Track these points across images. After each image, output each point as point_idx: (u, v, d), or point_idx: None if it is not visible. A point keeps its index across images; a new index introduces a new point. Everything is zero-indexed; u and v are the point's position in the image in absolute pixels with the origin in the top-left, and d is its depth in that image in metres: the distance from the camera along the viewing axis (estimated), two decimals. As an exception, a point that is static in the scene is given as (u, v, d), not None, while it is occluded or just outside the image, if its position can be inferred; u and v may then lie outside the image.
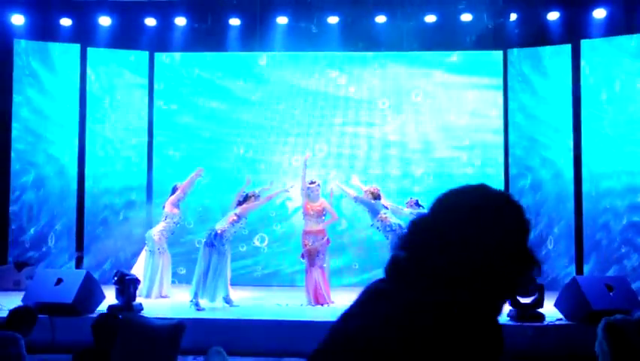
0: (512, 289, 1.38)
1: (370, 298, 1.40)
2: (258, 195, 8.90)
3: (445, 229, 1.39)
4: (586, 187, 10.36)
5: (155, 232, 9.16)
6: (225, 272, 8.43)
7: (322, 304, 8.46)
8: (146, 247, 9.27)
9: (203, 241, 8.59)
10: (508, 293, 1.38)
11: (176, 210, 9.27)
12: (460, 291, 1.31)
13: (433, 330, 1.28)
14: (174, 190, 9.31)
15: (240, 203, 8.77)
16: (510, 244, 1.37)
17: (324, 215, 8.94)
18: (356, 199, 8.91)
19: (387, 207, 8.69)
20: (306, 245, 8.79)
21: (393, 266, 1.40)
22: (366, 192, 8.82)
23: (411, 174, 10.81)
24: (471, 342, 1.29)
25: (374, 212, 8.57)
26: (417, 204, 9.02)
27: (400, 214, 8.85)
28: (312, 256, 8.71)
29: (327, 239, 8.91)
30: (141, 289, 8.92)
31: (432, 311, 1.30)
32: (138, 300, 7.68)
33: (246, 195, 8.87)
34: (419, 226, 1.42)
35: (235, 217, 8.55)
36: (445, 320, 1.29)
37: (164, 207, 9.34)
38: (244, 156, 11.07)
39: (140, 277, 8.98)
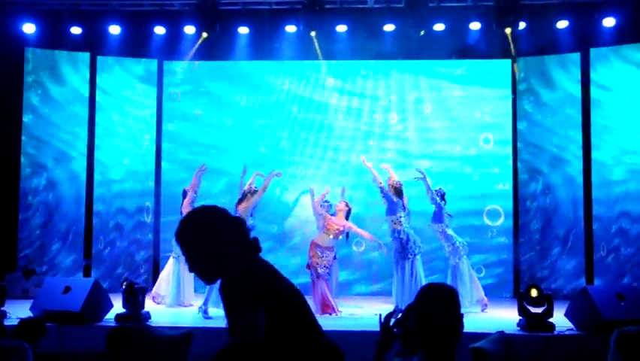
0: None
1: None
2: (255, 190, 8.73)
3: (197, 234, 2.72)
4: (597, 193, 10.31)
5: None
6: None
7: (330, 314, 8.41)
8: (173, 254, 9.22)
9: None
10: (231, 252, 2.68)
11: None
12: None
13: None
14: (185, 194, 9.28)
15: (238, 203, 8.66)
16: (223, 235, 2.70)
17: (341, 236, 8.76)
18: (382, 190, 8.62)
19: (404, 209, 8.57)
20: (313, 257, 8.71)
21: None
22: (390, 185, 8.66)
23: (418, 182, 10.70)
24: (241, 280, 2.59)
25: (392, 210, 8.43)
26: (442, 197, 9.01)
27: (428, 194, 8.78)
28: (317, 269, 8.66)
29: (335, 255, 8.83)
30: (168, 296, 8.89)
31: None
32: (162, 308, 7.63)
33: (243, 193, 8.73)
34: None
35: None
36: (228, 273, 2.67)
37: (181, 213, 9.28)
38: (254, 162, 11.04)
39: (166, 284, 8.98)
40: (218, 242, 2.63)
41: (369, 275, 10.88)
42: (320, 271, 8.57)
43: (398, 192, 8.57)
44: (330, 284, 8.75)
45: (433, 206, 8.93)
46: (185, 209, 9.18)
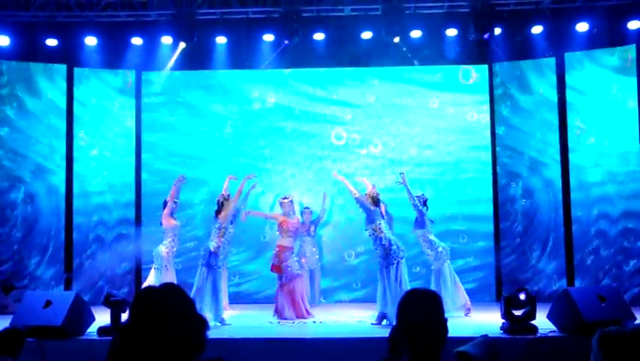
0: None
1: None
2: (228, 195, 8.70)
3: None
4: (575, 195, 10.43)
5: (164, 248, 9.06)
6: (220, 290, 8.38)
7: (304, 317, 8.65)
8: (153, 265, 9.16)
9: (200, 262, 8.46)
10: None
11: (173, 222, 9.17)
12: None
13: None
14: (165, 204, 9.24)
15: (217, 213, 8.65)
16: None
17: (297, 232, 9.12)
18: (357, 200, 8.62)
19: (384, 217, 8.62)
20: (279, 259, 8.88)
21: None
22: (367, 194, 8.73)
23: (400, 188, 10.68)
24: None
25: (370, 219, 8.47)
26: (424, 203, 9.11)
27: (410, 201, 8.93)
28: (282, 271, 8.85)
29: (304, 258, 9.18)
30: None
31: None
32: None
33: (219, 202, 8.68)
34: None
35: (219, 231, 8.46)
36: None
37: (161, 224, 9.24)
38: (233, 170, 11.01)
39: None
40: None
41: (352, 282, 10.90)
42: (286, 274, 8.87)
43: (375, 201, 8.57)
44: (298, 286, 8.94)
45: (415, 212, 8.98)
46: (165, 219, 9.16)
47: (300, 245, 9.81)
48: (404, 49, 10.77)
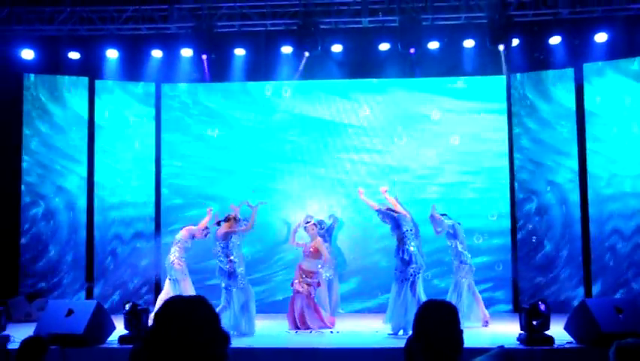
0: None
1: None
2: (237, 219, 8.61)
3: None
4: (592, 210, 10.39)
5: (176, 260, 9.13)
6: (252, 308, 8.39)
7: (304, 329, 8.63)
8: (169, 277, 9.22)
9: (222, 284, 8.42)
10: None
11: (189, 240, 9.27)
12: None
13: None
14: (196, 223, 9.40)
15: (218, 223, 8.64)
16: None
17: (320, 256, 9.02)
18: (378, 212, 8.65)
19: (412, 228, 8.48)
20: (300, 282, 8.88)
21: None
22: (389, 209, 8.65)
23: (418, 200, 10.70)
24: None
25: (396, 225, 8.41)
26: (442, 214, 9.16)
27: (436, 223, 8.99)
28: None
29: (318, 282, 9.04)
30: None
31: None
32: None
33: (225, 216, 8.63)
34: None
35: (221, 250, 8.41)
36: None
37: (180, 230, 9.37)
38: (251, 185, 11.10)
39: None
40: None
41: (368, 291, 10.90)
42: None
43: (392, 210, 8.55)
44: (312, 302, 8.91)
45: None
46: (185, 232, 9.27)
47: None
48: (420, 60, 10.82)
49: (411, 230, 8.39)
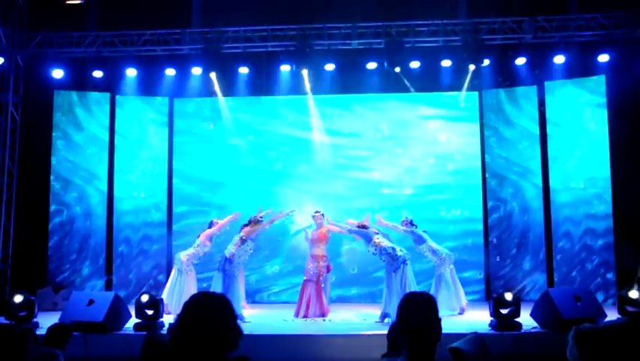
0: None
1: None
2: (261, 220, 8.75)
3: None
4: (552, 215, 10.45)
5: (184, 254, 9.07)
6: (238, 292, 8.36)
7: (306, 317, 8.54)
8: (175, 266, 9.17)
9: (216, 266, 8.48)
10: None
11: (208, 243, 9.14)
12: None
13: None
14: (210, 225, 9.27)
15: (244, 226, 8.69)
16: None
17: (326, 242, 8.99)
18: (350, 231, 8.83)
19: (377, 233, 8.59)
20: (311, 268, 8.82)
21: None
22: (357, 225, 8.74)
23: (398, 216, 10.03)
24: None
25: (368, 239, 8.50)
26: (411, 223, 9.07)
27: (397, 231, 8.94)
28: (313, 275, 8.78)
29: (328, 265, 8.96)
30: (171, 305, 8.75)
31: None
32: (168, 317, 7.59)
33: (249, 219, 8.75)
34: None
35: (239, 241, 8.47)
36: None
37: (199, 236, 9.25)
38: (260, 191, 11.02)
39: (168, 295, 8.85)
40: None
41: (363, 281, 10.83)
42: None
43: (364, 227, 8.67)
44: (323, 291, 8.81)
45: (410, 236, 8.98)
46: (203, 236, 9.13)
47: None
48: (404, 78, 10.83)
49: (381, 235, 8.49)
